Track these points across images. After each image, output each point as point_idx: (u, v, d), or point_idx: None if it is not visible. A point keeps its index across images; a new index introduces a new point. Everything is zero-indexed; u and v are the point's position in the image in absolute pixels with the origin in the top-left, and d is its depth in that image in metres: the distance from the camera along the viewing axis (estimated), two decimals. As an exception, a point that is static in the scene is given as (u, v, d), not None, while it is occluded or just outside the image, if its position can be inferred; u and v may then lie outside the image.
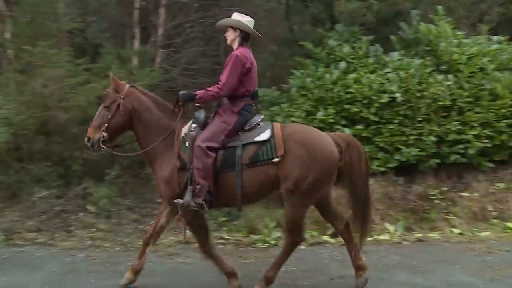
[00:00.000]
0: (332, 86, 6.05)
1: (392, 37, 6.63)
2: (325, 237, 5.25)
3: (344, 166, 3.65)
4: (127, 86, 3.86)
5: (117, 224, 5.49)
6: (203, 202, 3.52)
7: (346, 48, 6.41)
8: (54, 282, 3.91)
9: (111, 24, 7.49)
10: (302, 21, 7.84)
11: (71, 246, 4.88)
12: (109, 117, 3.75)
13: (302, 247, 4.42)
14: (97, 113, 3.83)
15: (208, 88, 3.66)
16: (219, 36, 7.18)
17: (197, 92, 3.67)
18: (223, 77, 3.63)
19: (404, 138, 5.94)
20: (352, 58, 6.39)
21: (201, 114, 3.72)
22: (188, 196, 3.51)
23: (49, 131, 5.97)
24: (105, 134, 3.72)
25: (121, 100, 3.75)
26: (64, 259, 4.51)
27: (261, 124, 3.72)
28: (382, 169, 5.87)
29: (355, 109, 5.94)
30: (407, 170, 6.04)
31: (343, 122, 5.99)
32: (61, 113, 5.85)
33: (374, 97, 5.94)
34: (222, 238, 5.25)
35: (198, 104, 3.78)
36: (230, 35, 3.80)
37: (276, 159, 3.52)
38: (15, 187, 5.75)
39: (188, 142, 3.59)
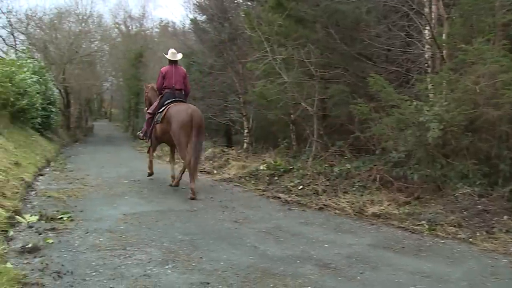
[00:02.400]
0: None
1: None
2: None
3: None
4: (150, 86, 9.04)
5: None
6: (144, 136, 8.56)
7: None
8: (473, 280, 3.95)
9: None
10: None
11: (493, 248, 4.79)
12: (145, 99, 9.22)
13: None
14: None
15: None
16: None
17: None
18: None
19: None
20: None
21: None
22: (139, 132, 8.99)
23: (477, 128, 6.15)
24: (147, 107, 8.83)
25: (146, 93, 9.14)
26: (485, 260, 4.48)
27: (170, 104, 7.75)
28: None
29: None
30: None
31: None
32: (491, 110, 5.92)
33: None
34: None
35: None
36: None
37: (159, 121, 7.82)
38: (440, 181, 6.22)
39: None
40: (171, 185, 8.06)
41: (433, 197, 6.20)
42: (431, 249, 4.80)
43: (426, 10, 7.62)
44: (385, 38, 8.74)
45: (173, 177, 8.23)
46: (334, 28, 8.94)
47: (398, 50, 8.41)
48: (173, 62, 8.11)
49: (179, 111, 7.43)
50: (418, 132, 6.42)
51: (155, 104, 8.23)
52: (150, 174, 8.81)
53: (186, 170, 7.57)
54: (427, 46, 7.74)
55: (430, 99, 6.78)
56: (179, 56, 8.30)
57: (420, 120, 6.31)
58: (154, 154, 9.32)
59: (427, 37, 7.66)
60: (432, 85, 6.97)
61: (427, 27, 7.58)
